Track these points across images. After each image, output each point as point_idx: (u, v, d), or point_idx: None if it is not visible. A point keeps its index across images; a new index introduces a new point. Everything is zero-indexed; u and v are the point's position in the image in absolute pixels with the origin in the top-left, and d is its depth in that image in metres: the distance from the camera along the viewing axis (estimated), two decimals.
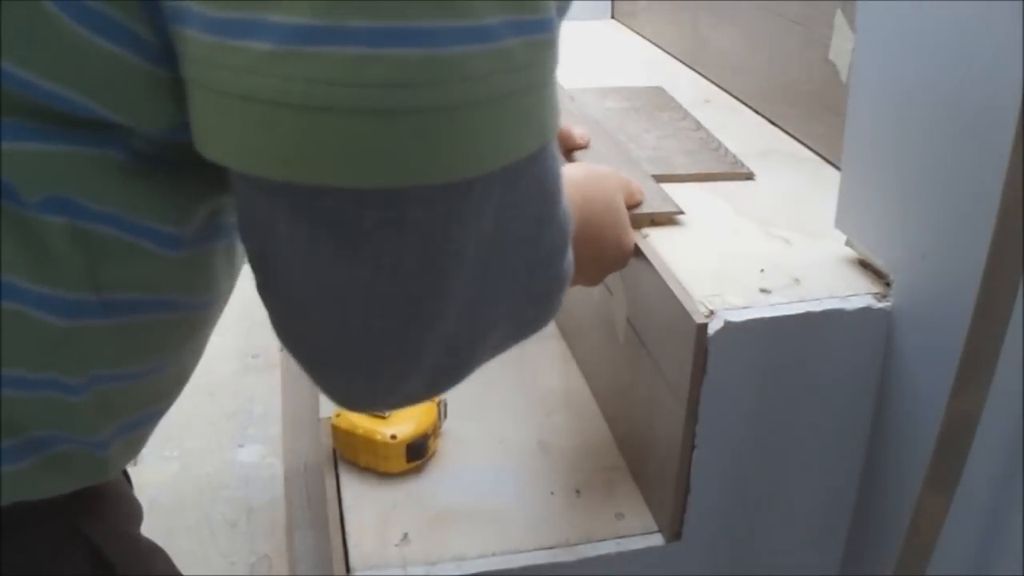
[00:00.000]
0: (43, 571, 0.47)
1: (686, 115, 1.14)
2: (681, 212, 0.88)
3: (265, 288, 0.43)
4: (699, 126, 1.10)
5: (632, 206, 0.83)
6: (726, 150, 1.02)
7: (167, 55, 0.37)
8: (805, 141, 1.09)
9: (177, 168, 0.41)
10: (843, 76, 0.98)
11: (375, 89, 0.33)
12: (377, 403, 0.47)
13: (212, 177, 0.41)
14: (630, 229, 0.78)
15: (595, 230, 0.72)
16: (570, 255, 0.52)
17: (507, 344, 0.50)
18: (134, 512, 0.55)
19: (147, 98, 0.38)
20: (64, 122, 0.38)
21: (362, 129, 0.34)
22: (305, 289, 0.41)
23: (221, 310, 0.50)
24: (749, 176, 0.98)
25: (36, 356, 0.41)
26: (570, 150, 0.98)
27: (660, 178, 0.95)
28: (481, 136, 0.36)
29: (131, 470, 0.61)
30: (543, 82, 0.38)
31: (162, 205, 0.41)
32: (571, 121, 1.04)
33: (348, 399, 0.46)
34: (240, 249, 0.48)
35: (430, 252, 0.39)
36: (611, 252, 0.76)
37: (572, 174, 0.72)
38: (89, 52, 0.36)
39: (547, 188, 0.44)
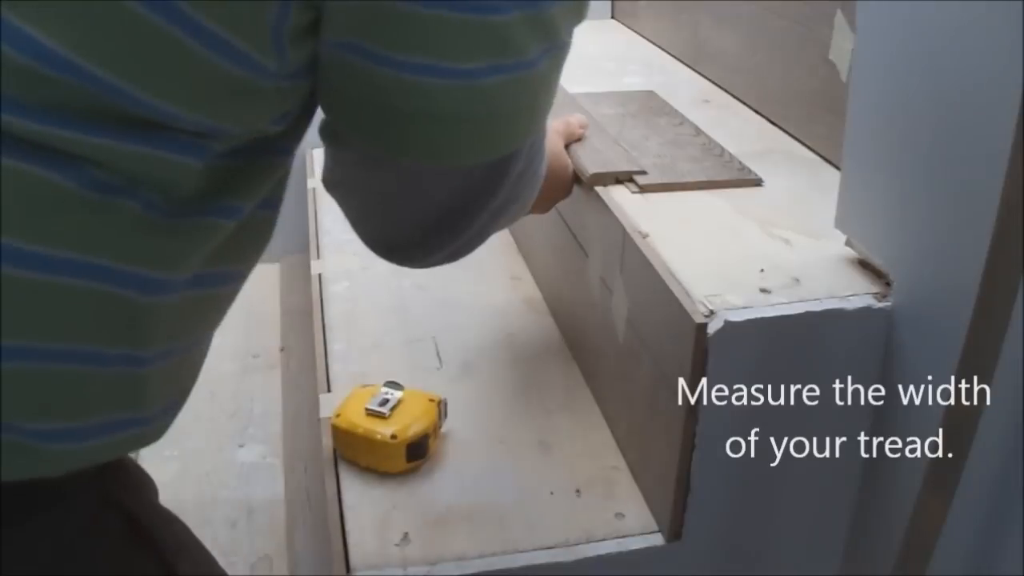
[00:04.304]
0: (85, 539, 0.49)
1: (683, 120, 1.14)
2: (643, 172, 0.96)
3: (369, 215, 0.62)
4: (698, 131, 1.10)
5: (573, 140, 1.02)
6: (730, 156, 1.02)
7: (280, 75, 0.46)
8: (805, 141, 1.09)
9: (245, 157, 0.49)
10: (843, 76, 0.98)
11: (502, 101, 0.51)
12: (418, 260, 0.66)
13: (269, 163, 0.51)
14: (570, 167, 0.98)
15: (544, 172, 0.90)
16: (542, 175, 0.73)
17: (509, 222, 0.73)
18: (152, 484, 0.59)
19: (251, 108, 0.47)
20: (164, 129, 0.44)
21: (488, 127, 0.52)
22: (420, 203, 0.60)
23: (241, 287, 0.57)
24: (758, 183, 0.97)
25: (113, 331, 0.45)
26: (569, 144, 1.00)
27: (669, 187, 0.95)
28: (524, 126, 0.55)
29: None
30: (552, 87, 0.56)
31: (234, 189, 0.49)
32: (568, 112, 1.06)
33: (396, 258, 0.66)
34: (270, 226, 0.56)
35: (497, 184, 0.60)
36: (556, 185, 0.95)
37: None
38: (214, 75, 0.44)
39: (542, 148, 0.68)
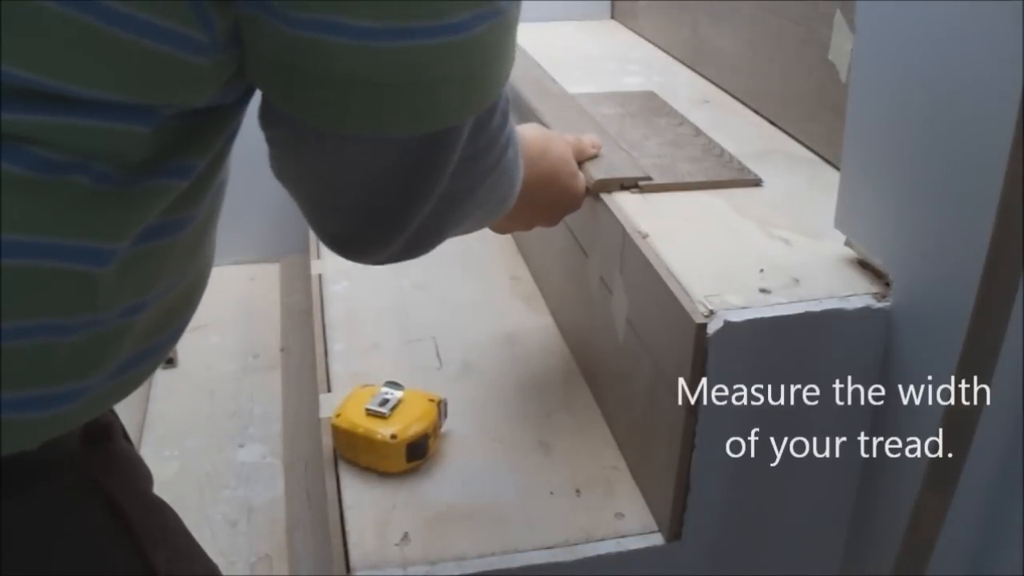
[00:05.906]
0: (62, 521, 0.49)
1: (683, 120, 1.14)
2: (648, 178, 0.95)
3: (314, 204, 0.59)
4: (698, 131, 1.10)
5: (584, 159, 0.97)
6: (730, 156, 1.02)
7: (216, 47, 0.45)
8: (805, 141, 1.09)
9: (197, 117, 0.48)
10: (843, 76, 0.98)
11: (420, 70, 0.46)
12: (371, 254, 0.61)
13: (224, 115, 0.50)
14: (580, 177, 0.93)
15: (548, 179, 0.86)
16: (519, 178, 0.68)
17: (474, 223, 0.68)
18: (146, 472, 0.58)
19: (195, 84, 0.45)
20: (107, 104, 0.43)
21: (401, 95, 0.47)
22: (354, 182, 0.56)
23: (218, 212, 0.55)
24: (757, 183, 0.97)
25: (72, 303, 0.44)
26: (581, 162, 0.97)
27: (668, 187, 0.95)
28: (456, 99, 0.49)
29: None
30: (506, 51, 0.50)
31: (187, 148, 0.48)
32: (581, 128, 1.04)
33: (351, 252, 0.61)
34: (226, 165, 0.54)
35: (438, 165, 0.55)
36: (564, 196, 0.90)
37: (528, 133, 0.84)
38: (148, 59, 0.42)
39: (510, 138, 0.62)
